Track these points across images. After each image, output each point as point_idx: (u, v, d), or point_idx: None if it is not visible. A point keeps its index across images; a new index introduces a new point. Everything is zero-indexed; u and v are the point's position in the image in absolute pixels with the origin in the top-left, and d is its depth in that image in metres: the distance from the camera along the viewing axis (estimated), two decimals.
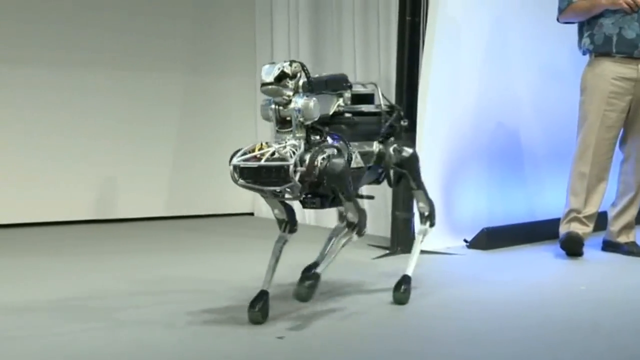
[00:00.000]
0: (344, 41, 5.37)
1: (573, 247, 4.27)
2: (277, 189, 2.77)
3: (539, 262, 4.23)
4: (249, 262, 3.81)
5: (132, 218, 5.58)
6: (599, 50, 4.25)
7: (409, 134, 3.92)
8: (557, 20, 4.38)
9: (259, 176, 2.75)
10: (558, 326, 2.96)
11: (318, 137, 2.87)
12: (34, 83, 5.29)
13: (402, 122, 3.24)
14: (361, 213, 2.91)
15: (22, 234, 5.07)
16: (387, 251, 4.33)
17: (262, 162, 2.74)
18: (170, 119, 5.78)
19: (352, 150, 2.94)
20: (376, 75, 5.01)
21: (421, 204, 3.33)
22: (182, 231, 5.31)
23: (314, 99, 2.81)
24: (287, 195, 2.84)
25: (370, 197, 3.45)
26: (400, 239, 4.34)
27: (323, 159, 2.77)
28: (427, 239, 3.43)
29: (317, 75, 3.00)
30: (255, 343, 2.70)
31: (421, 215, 3.34)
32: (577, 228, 4.29)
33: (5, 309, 3.11)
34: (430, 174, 3.96)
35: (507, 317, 3.07)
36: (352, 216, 2.90)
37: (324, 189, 2.83)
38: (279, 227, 2.97)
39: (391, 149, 3.14)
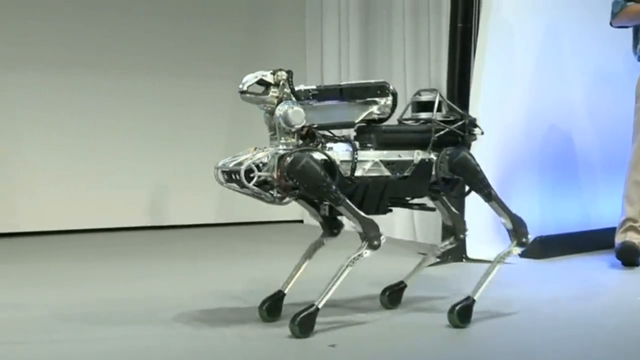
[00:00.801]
0: (394, 48, 5.35)
1: (629, 257, 4.19)
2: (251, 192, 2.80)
3: (594, 272, 4.15)
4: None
5: (183, 225, 5.63)
6: None
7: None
8: (610, 24, 4.30)
9: (234, 180, 2.80)
10: (614, 338, 2.90)
11: (312, 144, 2.83)
12: (83, 86, 5.44)
13: (470, 132, 3.07)
14: (365, 221, 2.76)
15: (72, 240, 5.16)
16: (438, 259, 4.30)
17: (230, 167, 2.81)
18: (220, 126, 5.83)
19: (363, 159, 2.84)
20: (426, 82, 4.98)
21: (502, 219, 3.02)
22: (231, 238, 5.34)
23: (296, 107, 2.79)
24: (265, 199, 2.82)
25: (432, 209, 3.27)
26: (451, 248, 4.29)
27: (289, 158, 2.73)
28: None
29: (352, 82, 3.00)
30: (307, 351, 2.70)
31: (508, 231, 3.02)
32: (634, 237, 4.22)
33: (58, 313, 3.15)
34: None
35: (561, 328, 3.02)
36: (354, 225, 2.79)
37: (303, 191, 2.77)
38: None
39: (444, 163, 2.97)
